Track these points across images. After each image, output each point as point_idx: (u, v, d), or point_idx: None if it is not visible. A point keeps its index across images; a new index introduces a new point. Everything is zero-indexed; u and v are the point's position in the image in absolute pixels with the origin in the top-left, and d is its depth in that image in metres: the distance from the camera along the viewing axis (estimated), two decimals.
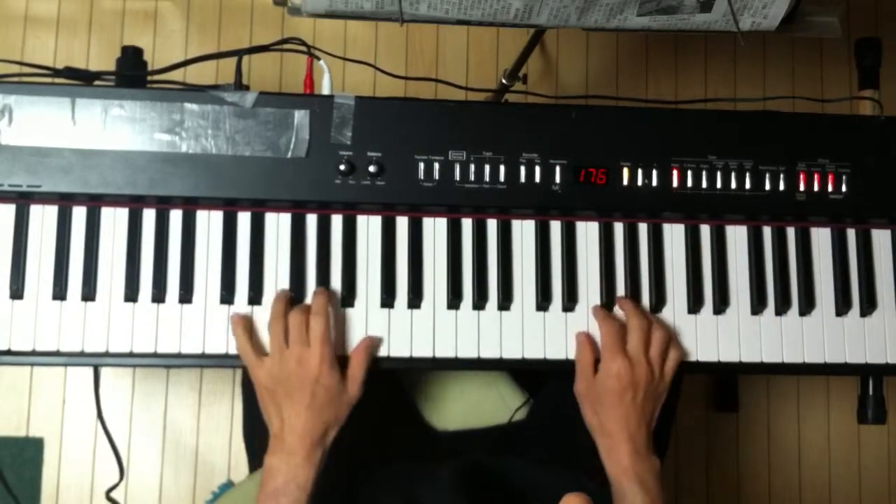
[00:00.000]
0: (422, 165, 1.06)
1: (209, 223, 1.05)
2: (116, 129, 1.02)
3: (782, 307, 1.12)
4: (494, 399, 1.30)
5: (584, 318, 1.09)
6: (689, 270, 1.11)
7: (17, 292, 1.01)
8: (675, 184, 1.10)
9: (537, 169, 1.08)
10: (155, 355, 1.03)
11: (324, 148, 1.05)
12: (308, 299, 1.05)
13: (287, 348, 0.99)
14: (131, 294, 1.03)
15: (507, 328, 1.07)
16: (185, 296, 1.03)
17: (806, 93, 2.03)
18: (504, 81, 1.73)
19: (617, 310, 1.09)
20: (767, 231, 1.13)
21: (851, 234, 1.15)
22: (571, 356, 1.07)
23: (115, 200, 1.04)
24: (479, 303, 1.07)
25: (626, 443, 1.01)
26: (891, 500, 2.02)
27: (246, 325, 1.02)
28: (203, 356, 1.04)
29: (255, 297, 1.04)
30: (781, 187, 1.11)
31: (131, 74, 1.12)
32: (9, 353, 1.01)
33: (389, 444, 1.21)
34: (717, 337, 1.11)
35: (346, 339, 1.05)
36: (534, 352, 1.07)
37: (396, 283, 1.07)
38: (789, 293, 1.12)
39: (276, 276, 1.05)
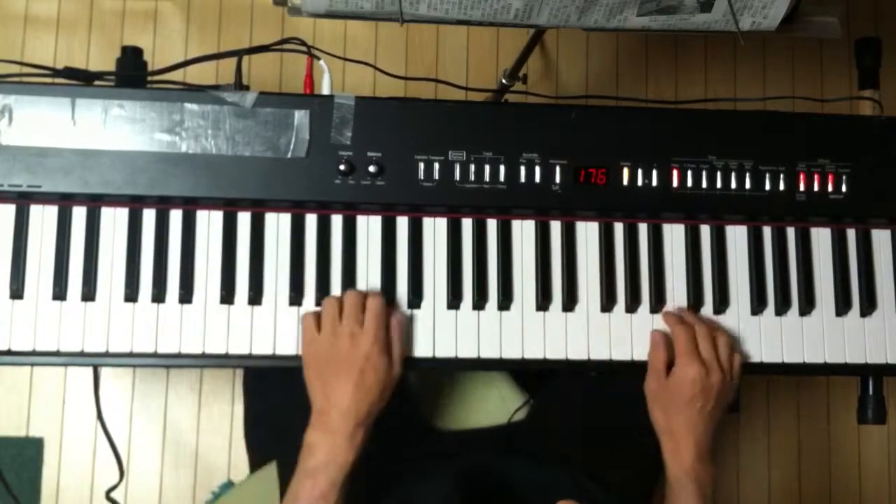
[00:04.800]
0: (422, 165, 1.06)
1: (209, 223, 1.05)
2: (116, 129, 1.02)
3: (782, 307, 1.12)
4: (494, 399, 1.30)
5: (584, 318, 1.09)
6: (689, 270, 1.11)
7: (17, 292, 1.01)
8: (675, 184, 1.10)
9: (537, 169, 1.08)
10: (155, 355, 1.03)
11: (324, 148, 1.05)
12: (307, 299, 1.05)
13: (340, 324, 0.99)
14: (131, 294, 1.03)
15: (507, 328, 1.07)
16: (186, 296, 1.03)
17: (806, 93, 2.03)
18: (504, 81, 1.73)
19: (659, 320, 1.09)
20: (767, 231, 1.13)
21: (851, 234, 1.15)
22: (572, 356, 1.07)
23: (115, 200, 1.03)
24: (479, 303, 1.07)
25: (692, 446, 1.03)
26: (891, 500, 2.02)
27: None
28: (203, 356, 1.04)
29: (255, 298, 1.04)
30: (781, 187, 1.11)
31: (131, 74, 1.12)
32: (9, 353, 1.01)
33: (389, 444, 1.21)
34: None
35: None
36: (534, 352, 1.07)
37: (396, 283, 1.07)
38: (789, 293, 1.12)
39: (276, 277, 1.05)
